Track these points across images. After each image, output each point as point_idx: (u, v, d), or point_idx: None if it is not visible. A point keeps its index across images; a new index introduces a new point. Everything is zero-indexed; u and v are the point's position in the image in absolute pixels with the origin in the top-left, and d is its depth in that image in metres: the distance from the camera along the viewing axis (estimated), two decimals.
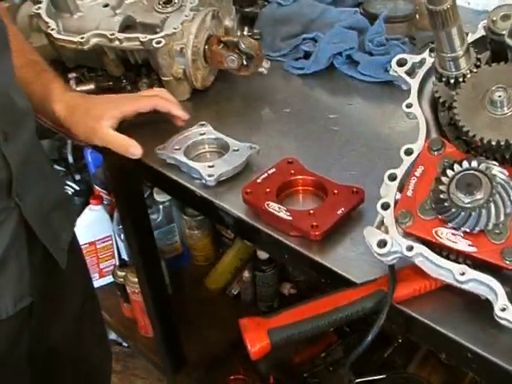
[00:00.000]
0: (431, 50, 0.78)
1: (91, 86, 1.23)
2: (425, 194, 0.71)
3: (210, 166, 1.00)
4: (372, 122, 1.13)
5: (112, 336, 1.99)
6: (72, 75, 1.24)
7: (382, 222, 0.75)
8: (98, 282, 1.89)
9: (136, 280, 1.61)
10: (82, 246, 1.79)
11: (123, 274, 1.72)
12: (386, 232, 0.73)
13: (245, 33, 1.36)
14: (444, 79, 0.72)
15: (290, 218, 0.88)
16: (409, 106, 0.78)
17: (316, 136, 1.10)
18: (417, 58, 0.80)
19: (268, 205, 0.90)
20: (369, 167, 1.01)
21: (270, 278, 1.73)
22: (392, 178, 0.75)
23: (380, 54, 1.24)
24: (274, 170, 0.97)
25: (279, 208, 0.89)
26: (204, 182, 0.98)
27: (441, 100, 0.75)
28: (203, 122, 1.10)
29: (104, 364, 1.33)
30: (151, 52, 1.14)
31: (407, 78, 0.79)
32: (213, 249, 1.94)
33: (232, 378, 1.57)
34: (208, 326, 1.75)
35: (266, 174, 0.96)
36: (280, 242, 0.89)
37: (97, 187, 1.96)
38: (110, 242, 1.88)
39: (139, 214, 1.45)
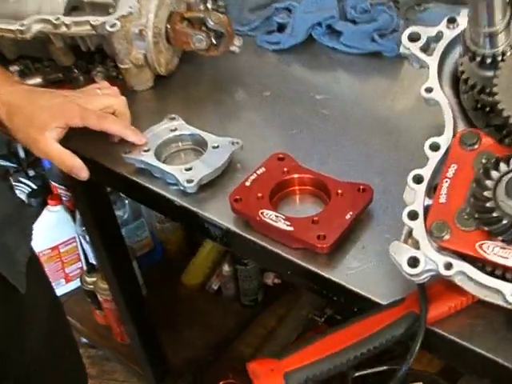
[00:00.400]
0: (450, 21, 0.65)
1: (38, 80, 1.06)
2: (461, 200, 0.59)
3: (187, 169, 0.85)
4: (365, 101, 1.00)
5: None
6: (14, 68, 1.07)
7: (409, 235, 0.62)
8: (65, 288, 1.75)
9: (107, 287, 1.46)
10: (44, 252, 1.65)
11: (92, 279, 1.57)
12: (416, 247, 0.61)
13: (209, 5, 1.20)
14: (478, 58, 0.59)
15: (291, 229, 0.74)
16: (429, 90, 0.65)
17: (304, 122, 0.96)
18: (432, 32, 0.67)
19: (263, 213, 0.76)
20: (370, 156, 0.88)
21: (252, 271, 1.60)
22: (417, 180, 0.62)
23: (365, 22, 1.09)
24: (263, 169, 0.83)
25: (276, 217, 0.76)
26: (182, 188, 0.84)
27: (470, 82, 0.62)
28: (173, 116, 0.95)
29: None
30: (105, 37, 0.97)
31: (423, 56, 0.66)
32: (187, 241, 1.80)
33: (221, 383, 1.45)
34: (190, 327, 1.63)
35: (254, 175, 0.82)
36: (280, 256, 0.76)
37: (54, 183, 1.79)
38: (74, 243, 1.72)
39: (103, 213, 1.28)
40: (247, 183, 0.81)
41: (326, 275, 0.73)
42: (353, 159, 0.88)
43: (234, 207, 0.78)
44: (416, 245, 0.61)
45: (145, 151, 0.89)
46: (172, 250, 1.81)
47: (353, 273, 0.73)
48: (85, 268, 1.71)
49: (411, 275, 0.60)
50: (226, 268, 1.64)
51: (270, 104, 1.01)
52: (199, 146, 0.92)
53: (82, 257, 1.75)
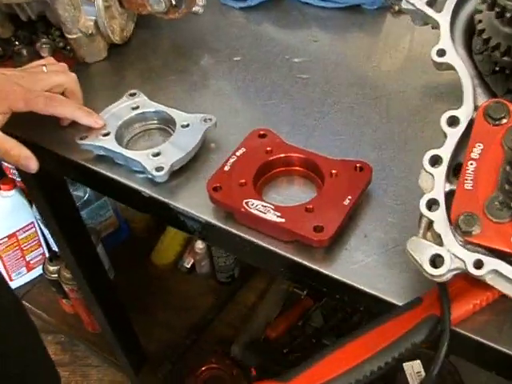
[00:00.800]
0: None
1: None
2: (491, 186, 0.49)
3: (155, 154, 0.73)
4: (349, 62, 0.89)
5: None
6: None
7: (428, 227, 0.52)
8: (27, 277, 1.62)
9: (71, 276, 1.35)
10: (1, 241, 1.52)
11: (55, 268, 1.45)
12: (438, 242, 0.51)
13: None
14: (508, 14, 0.48)
15: (283, 220, 0.64)
16: (441, 53, 0.54)
17: (283, 90, 0.85)
18: None
19: (248, 204, 0.66)
20: (360, 126, 0.78)
21: None
22: (435, 161, 0.52)
23: None
24: (243, 149, 0.72)
25: (264, 207, 0.65)
26: (151, 177, 0.72)
27: (492, 42, 0.52)
28: (133, 91, 0.83)
29: None
30: (47, 3, 0.83)
31: (432, 13, 0.55)
32: (154, 218, 1.69)
33: (204, 368, 1.36)
34: (164, 310, 1.53)
35: (234, 158, 0.71)
36: (271, 252, 0.66)
37: (5, 164, 1.64)
38: (33, 229, 1.59)
39: (58, 196, 1.15)
40: (226, 167, 0.70)
41: (326, 272, 0.63)
42: (342, 131, 0.78)
43: (214, 197, 0.68)
44: (437, 240, 0.51)
45: (104, 135, 0.77)
46: (139, 228, 1.69)
47: (356, 267, 0.63)
48: (47, 254, 1.58)
49: (434, 276, 0.51)
50: (199, 245, 1.53)
51: (242, 70, 0.89)
52: (166, 125, 0.80)
53: (43, 242, 1.62)
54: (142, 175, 0.75)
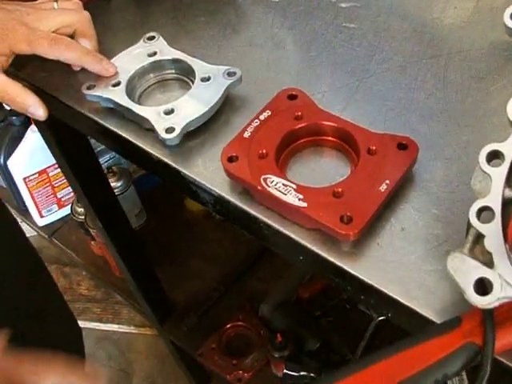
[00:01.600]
0: None
1: None
2: None
3: (167, 112, 0.64)
4: (405, 10, 0.75)
5: None
6: None
7: (476, 241, 0.42)
8: (58, 214, 1.58)
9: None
10: (31, 177, 1.47)
11: (83, 210, 1.40)
12: (487, 261, 0.41)
13: None
14: None
15: (305, 205, 0.54)
16: None
17: (324, 41, 0.73)
18: None
19: (266, 181, 0.56)
20: (411, 91, 0.66)
21: None
22: (492, 157, 0.41)
23: None
24: (268, 112, 0.62)
25: (285, 186, 0.55)
26: (161, 138, 0.63)
27: None
28: (152, 34, 0.72)
29: (74, 344, 1.07)
30: None
31: None
32: None
33: (230, 325, 1.31)
34: (194, 258, 1.47)
35: (256, 122, 0.61)
36: (290, 238, 0.56)
37: None
38: None
39: (71, 139, 1.04)
40: (246, 134, 0.60)
41: (351, 270, 0.53)
42: (388, 96, 0.66)
43: (228, 169, 0.58)
44: (487, 258, 0.40)
45: (113, 85, 0.68)
46: None
47: (387, 268, 0.53)
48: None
49: (479, 304, 0.40)
50: None
51: (280, 15, 0.77)
52: (185, 76, 0.70)
53: None
54: (153, 134, 0.66)
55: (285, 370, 1.12)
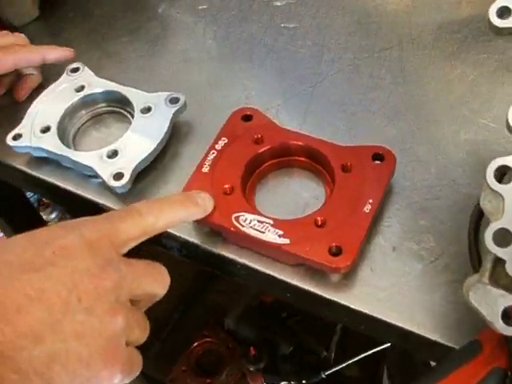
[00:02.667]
0: None
1: None
2: None
3: (110, 155, 0.56)
4: (343, 1, 0.70)
5: None
6: None
7: (494, 267, 0.38)
8: None
9: None
10: None
11: None
12: (509, 287, 0.37)
13: None
14: None
15: (287, 241, 0.49)
16: (502, 13, 0.37)
17: (265, 46, 0.67)
18: None
19: (238, 220, 0.50)
20: (371, 89, 0.62)
21: None
22: (503, 174, 0.37)
23: None
24: (224, 139, 0.56)
25: (261, 223, 0.50)
26: (109, 185, 0.56)
27: None
28: (76, 65, 0.64)
29: None
30: None
31: None
32: None
33: (196, 344, 1.24)
34: None
35: (213, 153, 0.55)
36: (273, 278, 0.51)
37: None
38: None
39: None
40: (204, 168, 0.54)
41: (347, 304, 0.49)
42: (346, 99, 0.61)
43: None
44: (508, 281, 0.36)
45: (42, 131, 0.59)
46: None
47: (385, 294, 0.48)
48: None
49: (511, 332, 0.36)
50: None
51: (211, 23, 0.70)
52: (121, 108, 0.63)
53: None
54: (95, 180, 0.58)
55: None
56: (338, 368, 1.10)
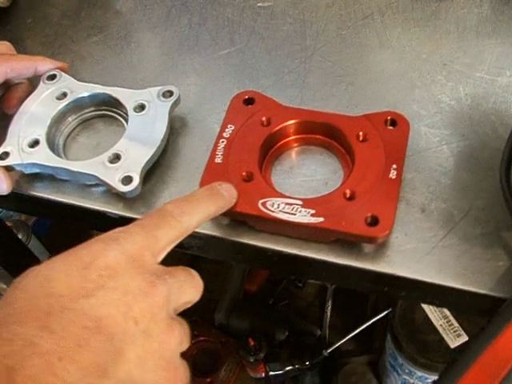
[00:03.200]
0: None
1: None
2: None
3: (112, 160, 0.53)
4: None
5: None
6: None
7: None
8: None
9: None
10: None
11: None
12: None
13: None
14: None
15: (320, 220, 0.47)
16: None
17: (246, 29, 0.65)
18: None
19: (266, 205, 0.48)
20: (363, 57, 0.61)
21: None
22: None
23: None
24: (230, 126, 0.53)
25: (290, 205, 0.48)
26: (118, 192, 0.53)
27: None
28: (52, 72, 0.60)
29: None
30: None
31: None
32: None
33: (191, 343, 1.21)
34: None
35: (223, 141, 0.53)
36: (308, 259, 0.50)
37: None
38: None
39: None
40: (217, 159, 0.52)
41: (390, 272, 0.48)
42: (340, 70, 0.60)
43: None
44: None
45: (31, 146, 0.55)
46: None
47: (424, 257, 0.48)
48: None
49: None
50: None
51: (183, 12, 0.68)
52: (110, 111, 0.60)
53: None
54: (97, 188, 0.55)
55: (270, 373, 1.06)
56: (339, 344, 1.10)
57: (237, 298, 1.26)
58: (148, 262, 0.38)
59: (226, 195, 0.47)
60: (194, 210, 0.42)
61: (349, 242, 0.49)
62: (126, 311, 0.34)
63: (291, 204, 0.48)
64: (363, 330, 1.15)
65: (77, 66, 0.63)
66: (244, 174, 0.50)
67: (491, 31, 0.62)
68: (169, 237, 0.40)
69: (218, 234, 0.51)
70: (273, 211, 0.48)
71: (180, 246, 0.54)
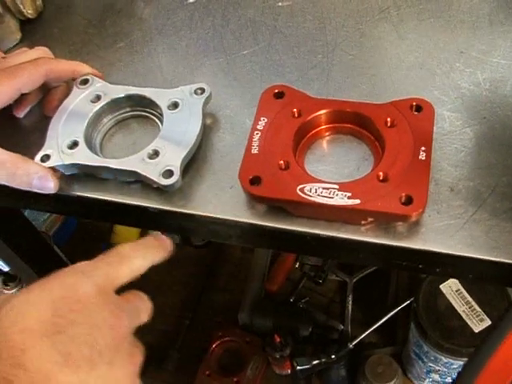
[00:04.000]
0: None
1: None
2: None
3: (151, 156, 0.56)
4: None
5: None
6: None
7: None
8: None
9: None
10: None
11: (14, 291, 1.24)
12: None
13: None
14: None
15: (357, 201, 0.50)
16: None
17: (268, 28, 0.68)
18: None
19: (304, 191, 0.51)
20: (384, 50, 0.63)
21: None
22: None
23: None
24: (263, 119, 0.56)
25: (327, 189, 0.51)
26: (159, 186, 0.55)
27: None
28: (85, 77, 0.63)
29: None
30: None
31: None
32: None
33: (214, 346, 1.24)
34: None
35: (257, 133, 0.55)
36: (346, 241, 0.52)
37: None
38: None
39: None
40: (253, 150, 0.54)
41: (425, 248, 0.50)
42: (362, 63, 0.63)
43: (256, 193, 0.52)
44: None
45: (70, 147, 0.58)
46: None
47: (457, 233, 0.50)
48: None
49: None
50: None
51: (205, 15, 0.70)
52: (144, 111, 0.62)
53: None
54: (135, 185, 0.58)
55: (298, 367, 1.08)
56: (363, 336, 1.12)
57: (258, 298, 1.28)
58: (111, 294, 0.42)
59: (166, 247, 0.50)
60: (145, 255, 0.47)
61: (383, 223, 0.51)
62: (93, 345, 0.38)
63: (328, 188, 0.50)
64: (384, 321, 1.17)
65: (106, 71, 0.66)
66: (281, 162, 0.52)
67: (504, 19, 0.64)
68: (126, 274, 0.45)
69: (256, 222, 0.54)
70: (311, 196, 0.50)
71: (218, 236, 0.57)
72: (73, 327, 0.38)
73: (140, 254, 0.47)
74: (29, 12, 0.71)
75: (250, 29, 0.67)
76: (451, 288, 0.99)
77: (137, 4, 0.74)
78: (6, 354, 0.35)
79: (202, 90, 0.59)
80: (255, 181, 0.52)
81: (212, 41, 0.67)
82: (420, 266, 0.53)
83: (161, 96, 0.60)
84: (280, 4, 0.69)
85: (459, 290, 0.99)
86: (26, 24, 0.73)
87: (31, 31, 0.73)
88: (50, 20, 0.75)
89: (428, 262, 0.51)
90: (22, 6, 0.69)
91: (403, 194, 0.49)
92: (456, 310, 0.97)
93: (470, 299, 0.98)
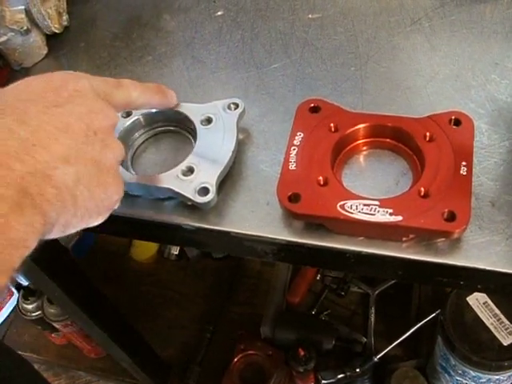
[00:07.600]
0: None
1: None
2: None
3: (185, 173, 0.55)
4: None
5: None
6: None
7: None
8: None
9: (58, 311, 1.15)
10: None
11: (34, 306, 1.24)
12: None
13: None
14: None
15: (399, 218, 0.49)
16: None
17: (299, 40, 0.67)
18: None
19: (344, 207, 0.50)
20: (418, 61, 0.63)
21: None
22: None
23: None
24: (300, 134, 0.55)
25: (367, 206, 0.50)
26: (194, 203, 0.54)
27: None
28: None
29: None
30: None
31: None
32: None
33: (236, 359, 1.23)
34: (166, 308, 1.36)
35: (294, 149, 0.54)
36: (386, 258, 0.51)
37: None
38: None
39: None
40: (291, 166, 0.53)
41: (468, 265, 0.49)
42: (396, 75, 0.62)
43: (295, 211, 0.51)
44: None
45: None
46: None
47: (502, 249, 0.49)
48: (14, 290, 1.36)
49: None
50: None
51: (234, 28, 0.70)
52: (175, 126, 0.62)
53: None
54: (169, 202, 0.57)
55: (323, 381, 1.07)
56: (388, 349, 1.11)
57: (280, 311, 1.27)
58: (109, 100, 0.46)
59: (168, 97, 0.56)
60: (143, 92, 0.52)
61: (424, 239, 0.50)
62: (89, 123, 0.42)
63: (369, 205, 0.49)
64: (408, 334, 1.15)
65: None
66: (320, 178, 0.51)
67: None
68: (120, 97, 0.48)
69: (294, 239, 0.53)
70: (352, 213, 0.49)
71: (255, 254, 0.56)
72: (72, 105, 0.42)
73: (138, 90, 0.51)
74: (55, 26, 0.70)
75: (280, 41, 0.67)
76: (478, 300, 0.97)
77: (163, 17, 0.74)
78: (10, 112, 0.39)
79: (236, 105, 0.58)
80: (294, 198, 0.51)
81: (242, 54, 0.67)
82: (461, 283, 0.52)
83: (194, 111, 0.59)
84: (310, 16, 0.68)
85: (486, 302, 0.97)
86: (51, 39, 0.73)
87: (57, 46, 0.73)
88: (76, 34, 0.74)
89: (470, 278, 0.50)
90: (49, 21, 0.68)
91: (446, 210, 0.48)
92: (484, 323, 0.96)
93: (497, 312, 0.96)
